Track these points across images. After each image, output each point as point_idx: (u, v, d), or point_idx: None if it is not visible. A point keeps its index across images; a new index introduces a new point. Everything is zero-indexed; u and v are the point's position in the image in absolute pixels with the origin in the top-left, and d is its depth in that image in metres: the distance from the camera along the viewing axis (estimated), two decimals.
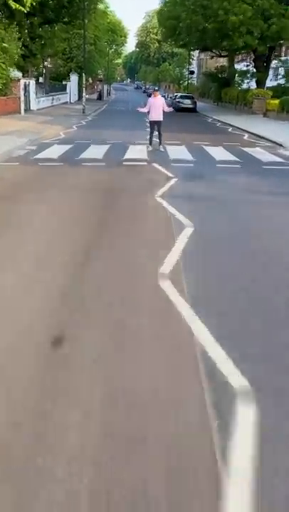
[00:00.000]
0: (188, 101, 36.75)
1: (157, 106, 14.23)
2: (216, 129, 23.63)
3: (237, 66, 42.70)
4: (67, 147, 14.68)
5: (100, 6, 49.28)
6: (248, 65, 37.90)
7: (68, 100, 42.79)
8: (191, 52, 61.12)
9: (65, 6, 28.81)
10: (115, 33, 58.76)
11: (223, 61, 49.97)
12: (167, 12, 39.86)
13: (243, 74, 36.42)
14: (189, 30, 34.32)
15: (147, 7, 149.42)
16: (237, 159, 12.85)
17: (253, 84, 36.53)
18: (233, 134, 20.83)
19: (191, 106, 36.17)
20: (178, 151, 14.19)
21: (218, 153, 14.05)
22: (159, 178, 9.95)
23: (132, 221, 6.75)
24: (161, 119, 14.35)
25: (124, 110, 38.03)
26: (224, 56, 43.06)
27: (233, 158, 13.14)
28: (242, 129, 22.05)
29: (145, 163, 11.77)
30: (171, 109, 15.26)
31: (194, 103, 37.37)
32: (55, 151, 13.66)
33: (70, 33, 40.78)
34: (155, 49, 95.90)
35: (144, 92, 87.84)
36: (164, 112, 14.43)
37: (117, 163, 11.73)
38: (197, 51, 68.85)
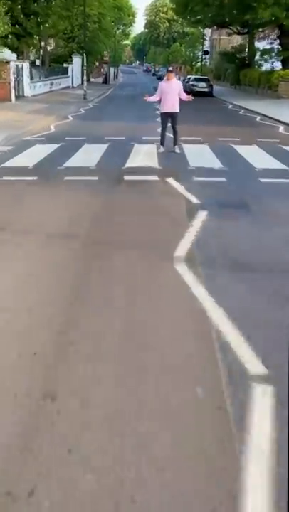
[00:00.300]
0: (203, 84, 32.66)
1: (172, 93, 10.40)
2: (240, 119, 19.71)
3: (258, 44, 38.33)
4: (52, 148, 11.05)
5: None
6: (271, 43, 33.51)
7: (70, 85, 38.91)
8: (203, 31, 56.53)
9: None
10: (122, 10, 54.32)
11: (239, 40, 45.52)
12: None
13: (267, 53, 32.17)
14: (205, 2, 30.07)
15: None
16: (286, 167, 9.09)
17: (278, 65, 32.25)
18: (264, 126, 16.95)
19: (206, 89, 32.10)
20: (199, 154, 10.47)
21: (255, 156, 10.31)
22: (177, 209, 6.36)
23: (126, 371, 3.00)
24: (177, 110, 10.60)
25: (131, 95, 34.07)
26: (243, 33, 38.67)
27: (278, 164, 9.43)
28: (274, 119, 18.15)
29: (155, 177, 8.14)
30: (190, 97, 10.95)
31: (210, 86, 33.29)
32: (34, 156, 10.04)
33: (72, 10, 36.68)
34: (165, 29, 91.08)
35: (154, 74, 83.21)
36: (180, 100, 10.59)
37: (115, 178, 8.10)
38: (210, 30, 64.27)
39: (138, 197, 6.95)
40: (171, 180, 7.78)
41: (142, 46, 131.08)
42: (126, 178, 8.01)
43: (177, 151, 10.56)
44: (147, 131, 14.07)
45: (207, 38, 64.22)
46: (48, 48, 40.67)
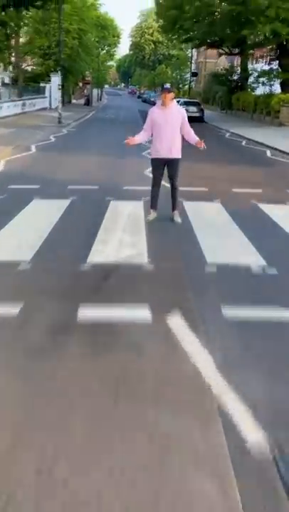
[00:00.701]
0: (193, 108, 28.97)
1: (170, 127, 6.20)
2: (246, 154, 15.83)
3: (250, 66, 35.12)
4: None
5: None
6: (270, 63, 30.16)
7: (48, 106, 34.94)
8: (189, 54, 53.62)
9: None
10: (106, 29, 50.92)
11: (226, 63, 42.43)
12: (167, 1, 32.17)
13: (266, 74, 28.69)
14: (197, 16, 26.62)
15: (142, 7, 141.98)
16: None
17: (276, 88, 28.84)
18: (280, 165, 13.10)
19: (197, 114, 28.43)
20: (213, 225, 6.47)
21: None
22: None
23: None
24: (178, 155, 6.41)
25: (114, 119, 30.28)
26: (236, 54, 35.44)
27: None
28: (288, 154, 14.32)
29: (144, 313, 3.84)
30: (203, 143, 6.31)
31: (201, 111, 29.73)
32: None
33: (49, 25, 33.02)
34: (150, 51, 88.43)
35: (139, 97, 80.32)
36: (183, 140, 6.47)
37: (57, 314, 3.89)
38: (195, 53, 61.57)
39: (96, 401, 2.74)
40: (176, 327, 3.58)
41: (127, 68, 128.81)
42: (81, 315, 3.74)
43: (178, 219, 6.49)
44: (131, 174, 10.05)
45: (193, 61, 61.47)
46: (24, 66, 36.89)
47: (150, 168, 10.27)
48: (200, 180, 9.44)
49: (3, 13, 21.59)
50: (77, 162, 11.79)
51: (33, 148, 14.07)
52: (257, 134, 20.71)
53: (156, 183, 6.57)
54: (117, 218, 6.56)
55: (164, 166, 6.45)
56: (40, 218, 6.48)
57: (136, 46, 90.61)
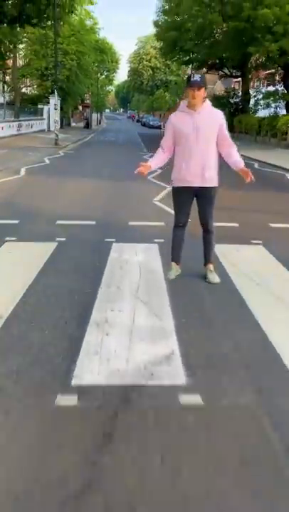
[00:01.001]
0: None
1: (202, 140, 3.94)
2: (264, 177, 13.67)
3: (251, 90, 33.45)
4: None
5: (88, 22, 40.33)
6: (274, 85, 28.43)
7: (46, 128, 33.01)
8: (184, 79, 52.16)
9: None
10: (104, 53, 49.51)
11: (222, 88, 40.89)
12: (167, 22, 30.65)
13: (271, 96, 26.85)
14: (198, 36, 24.91)
15: (140, 34, 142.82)
16: None
17: (280, 110, 26.99)
18: None
19: None
20: (270, 285, 4.16)
21: None
22: None
23: None
24: (214, 183, 4.11)
25: (114, 141, 28.35)
26: (237, 76, 33.84)
27: None
28: None
29: None
30: (250, 174, 4.02)
31: None
32: None
33: (47, 46, 31.38)
34: (148, 77, 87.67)
35: (138, 121, 79.07)
36: (220, 160, 4.19)
37: None
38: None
39: None
40: None
41: (126, 94, 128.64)
42: None
43: (214, 278, 4.23)
44: (136, 204, 7.87)
45: None
46: (22, 87, 35.15)
47: (160, 196, 8.10)
48: (224, 211, 7.20)
49: None
50: (72, 188, 9.60)
51: (23, 172, 11.90)
52: (267, 156, 18.71)
53: (180, 224, 4.34)
54: (124, 276, 4.29)
55: (191, 199, 4.22)
56: (6, 277, 4.20)
57: (134, 72, 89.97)
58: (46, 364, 2.77)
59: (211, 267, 4.30)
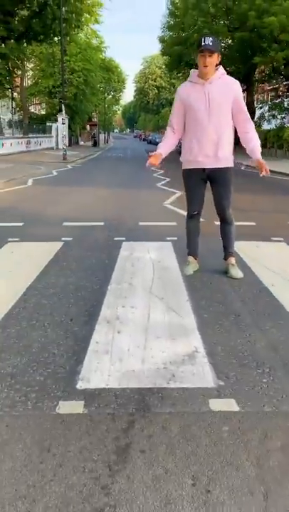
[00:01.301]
0: None
1: (215, 114, 3.39)
2: (271, 183, 13.28)
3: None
4: None
5: (94, 41, 40.74)
6: (279, 96, 28.20)
7: (54, 146, 32.97)
8: None
9: (36, 14, 19.07)
10: (111, 71, 49.91)
11: None
12: (172, 37, 30.79)
13: (276, 107, 26.58)
14: None
15: (145, 54, 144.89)
16: None
17: (286, 122, 26.68)
18: None
19: None
20: None
21: None
22: None
23: None
24: (229, 163, 3.60)
25: (121, 158, 28.14)
26: (242, 90, 33.69)
27: None
28: None
29: None
30: (264, 168, 3.40)
31: None
32: None
33: (55, 65, 31.57)
34: (154, 95, 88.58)
35: (144, 139, 79.41)
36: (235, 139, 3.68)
37: None
38: None
39: None
40: None
41: (132, 114, 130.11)
42: None
43: (237, 272, 3.72)
44: (147, 207, 7.45)
45: None
46: (29, 105, 35.34)
47: (171, 200, 7.69)
48: (237, 211, 6.67)
49: (2, 46, 19.62)
50: (79, 195, 9.21)
51: (30, 182, 11.57)
52: (275, 165, 18.28)
53: (193, 212, 3.84)
54: (136, 273, 3.82)
55: (204, 183, 3.72)
56: (5, 276, 3.75)
57: (140, 91, 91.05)
58: (47, 365, 2.30)
59: (232, 260, 3.80)
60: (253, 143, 3.51)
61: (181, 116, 3.54)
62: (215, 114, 3.41)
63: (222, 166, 3.59)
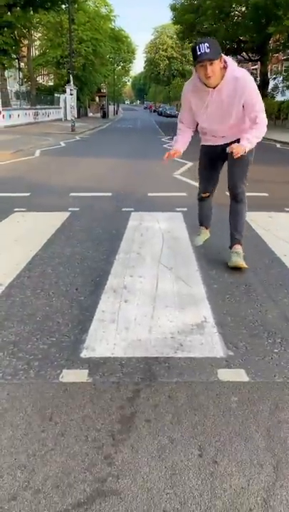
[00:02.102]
0: None
1: (226, 120, 2.96)
2: (287, 154, 13.00)
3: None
4: None
5: (103, 10, 39.54)
6: None
7: (62, 117, 32.49)
8: None
9: None
10: (120, 41, 48.54)
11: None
12: (184, 5, 29.72)
13: None
14: (217, 17, 24.01)
15: (156, 24, 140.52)
16: None
17: None
18: None
19: None
20: None
21: None
22: None
23: None
24: (247, 143, 2.87)
25: (131, 129, 27.64)
26: (255, 60, 32.70)
27: None
28: None
29: None
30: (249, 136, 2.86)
31: None
32: None
33: (64, 35, 30.73)
34: (165, 66, 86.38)
35: (155, 111, 77.90)
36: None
37: None
38: None
39: None
40: None
41: (143, 86, 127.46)
42: None
43: (238, 261, 3.14)
44: (156, 178, 7.28)
45: None
46: (39, 79, 34.71)
47: (181, 170, 7.50)
48: (251, 183, 6.53)
49: (8, 14, 19.05)
50: (87, 166, 9.05)
51: (37, 153, 11.40)
52: (288, 137, 17.83)
53: (205, 192, 3.46)
54: (144, 243, 3.73)
55: (221, 160, 3.27)
56: (10, 245, 3.68)
57: (150, 62, 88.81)
58: (51, 334, 2.24)
59: (237, 248, 3.22)
60: (248, 132, 2.89)
61: (190, 116, 3.14)
62: (226, 120, 2.96)
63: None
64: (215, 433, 1.57)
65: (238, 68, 2.82)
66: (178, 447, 1.51)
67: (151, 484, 1.36)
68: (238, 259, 3.14)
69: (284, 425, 1.61)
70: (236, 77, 2.75)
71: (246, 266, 3.12)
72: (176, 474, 1.40)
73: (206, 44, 2.62)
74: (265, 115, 2.89)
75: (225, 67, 2.74)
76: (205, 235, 3.65)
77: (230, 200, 3.27)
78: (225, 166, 3.27)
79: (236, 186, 3.18)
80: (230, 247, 3.26)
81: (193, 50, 2.66)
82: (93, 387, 1.82)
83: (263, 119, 2.88)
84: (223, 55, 2.73)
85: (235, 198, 3.22)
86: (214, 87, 2.78)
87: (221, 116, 2.92)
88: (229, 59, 2.79)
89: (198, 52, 2.63)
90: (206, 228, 3.67)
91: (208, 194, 3.45)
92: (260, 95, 2.89)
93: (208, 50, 2.62)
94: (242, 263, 3.12)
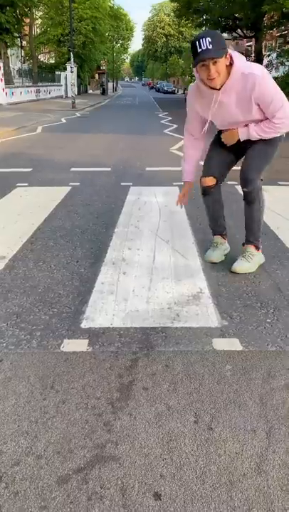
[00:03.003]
0: None
1: (237, 125, 2.37)
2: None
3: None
4: None
5: None
6: (288, 43, 26.42)
7: (63, 94, 31.62)
8: None
9: None
10: (119, 19, 46.74)
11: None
12: None
13: (285, 54, 24.89)
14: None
15: (154, 1, 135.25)
16: None
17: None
18: None
19: None
20: None
21: None
22: None
23: None
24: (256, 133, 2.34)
25: (130, 105, 26.96)
26: (251, 37, 31.58)
27: None
28: None
29: None
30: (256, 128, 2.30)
31: None
32: None
33: (65, 14, 29.54)
34: (162, 44, 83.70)
35: (152, 87, 75.91)
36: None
37: None
38: None
39: None
40: None
41: (141, 63, 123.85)
42: None
43: (238, 267, 2.55)
44: (153, 153, 7.09)
45: None
46: (40, 57, 33.59)
47: (178, 145, 7.35)
48: None
49: None
50: (88, 141, 8.83)
51: (39, 130, 11.11)
52: None
53: (210, 165, 2.60)
54: (143, 216, 3.65)
55: (230, 152, 2.56)
56: (13, 219, 3.59)
57: (148, 40, 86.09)
58: (52, 305, 2.18)
59: (247, 248, 2.61)
60: (256, 126, 2.34)
61: (198, 123, 2.52)
62: (232, 123, 2.39)
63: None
64: (210, 400, 1.54)
65: (246, 64, 2.19)
66: (174, 414, 1.48)
67: (149, 450, 1.34)
68: (238, 262, 2.57)
69: (276, 392, 1.58)
70: (245, 74, 2.14)
71: (251, 271, 2.56)
72: (172, 440, 1.37)
73: (208, 39, 2.02)
74: (286, 114, 2.24)
75: (231, 64, 2.14)
76: (221, 247, 2.74)
77: (243, 200, 2.54)
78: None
79: (247, 179, 2.42)
80: (243, 244, 2.67)
81: (193, 47, 2.06)
82: (93, 356, 1.78)
83: (280, 121, 2.24)
84: (229, 49, 2.12)
85: (246, 196, 2.47)
86: (219, 88, 2.20)
87: (231, 117, 2.34)
88: (236, 53, 2.20)
89: (199, 50, 2.02)
90: (223, 237, 2.78)
91: (211, 181, 2.57)
92: (279, 91, 2.22)
93: (210, 47, 2.01)
94: (239, 268, 2.55)
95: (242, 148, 2.49)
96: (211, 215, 2.75)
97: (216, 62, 2.07)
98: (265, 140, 2.37)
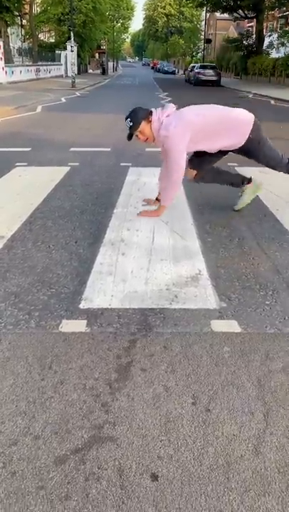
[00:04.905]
0: (210, 72, 25.02)
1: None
2: (279, 111, 12.43)
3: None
4: None
5: None
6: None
7: (63, 73, 30.91)
8: (205, 17, 47.87)
9: None
10: None
11: (234, 33, 37.33)
12: None
13: (285, 35, 24.30)
14: None
15: None
16: None
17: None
18: None
19: (215, 78, 24.55)
20: None
21: None
22: None
23: None
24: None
25: (130, 85, 26.39)
26: (251, 17, 30.78)
27: None
28: None
29: None
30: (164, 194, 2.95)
31: (218, 74, 25.60)
32: None
33: None
34: (163, 24, 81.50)
35: (153, 68, 74.25)
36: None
37: None
38: (205, 27, 55.58)
39: None
40: None
41: (141, 43, 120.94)
42: None
43: (244, 201, 3.23)
44: None
45: (201, 33, 55.67)
46: (41, 36, 32.69)
47: None
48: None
49: None
50: (87, 121, 8.64)
51: (39, 109, 10.87)
52: (283, 93, 17.08)
53: (192, 158, 3.05)
54: (142, 198, 3.57)
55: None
56: (12, 199, 3.52)
57: (149, 19, 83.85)
58: (51, 285, 2.14)
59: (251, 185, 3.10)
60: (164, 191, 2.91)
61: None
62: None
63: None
64: (208, 382, 1.51)
65: (161, 125, 2.67)
66: (172, 396, 1.45)
67: (147, 431, 1.31)
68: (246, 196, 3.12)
69: (274, 375, 1.55)
70: (162, 131, 2.67)
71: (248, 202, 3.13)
72: (170, 422, 1.35)
73: (128, 119, 2.74)
74: (177, 174, 2.72)
75: (159, 127, 2.67)
76: (250, 191, 3.11)
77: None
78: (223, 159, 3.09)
79: (275, 169, 3.03)
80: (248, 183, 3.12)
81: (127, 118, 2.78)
82: (91, 337, 1.75)
83: (171, 179, 2.75)
84: (152, 111, 2.70)
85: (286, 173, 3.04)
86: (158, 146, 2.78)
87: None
88: (157, 112, 2.71)
89: (127, 130, 2.77)
90: (248, 183, 3.11)
91: (191, 173, 3.01)
92: (177, 152, 2.64)
93: (130, 124, 2.72)
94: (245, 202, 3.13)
95: (217, 153, 2.88)
96: (220, 184, 3.19)
97: (140, 131, 2.71)
98: (253, 147, 2.76)
